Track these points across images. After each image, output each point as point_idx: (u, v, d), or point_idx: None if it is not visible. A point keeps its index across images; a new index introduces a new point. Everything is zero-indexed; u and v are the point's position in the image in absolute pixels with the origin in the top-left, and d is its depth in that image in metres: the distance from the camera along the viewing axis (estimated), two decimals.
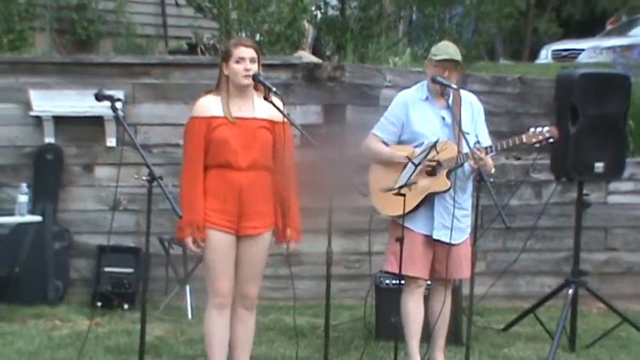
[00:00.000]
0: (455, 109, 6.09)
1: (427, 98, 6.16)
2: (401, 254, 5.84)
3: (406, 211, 5.91)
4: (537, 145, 6.19)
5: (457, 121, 6.00)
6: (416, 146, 6.00)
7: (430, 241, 6.11)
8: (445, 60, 6.03)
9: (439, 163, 6.00)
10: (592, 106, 6.86)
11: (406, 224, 5.96)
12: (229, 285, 5.50)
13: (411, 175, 5.78)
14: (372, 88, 8.64)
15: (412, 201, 6.01)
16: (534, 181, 8.54)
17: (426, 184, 6.01)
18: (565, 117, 6.88)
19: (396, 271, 5.97)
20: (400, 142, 6.15)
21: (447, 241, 6.02)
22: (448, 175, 6.02)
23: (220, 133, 5.37)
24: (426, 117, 6.11)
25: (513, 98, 9.27)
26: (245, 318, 5.64)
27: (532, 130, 6.17)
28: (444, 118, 6.10)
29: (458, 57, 6.10)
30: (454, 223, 6.02)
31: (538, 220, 7.81)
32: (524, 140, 6.14)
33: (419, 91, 6.24)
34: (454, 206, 6.01)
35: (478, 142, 6.05)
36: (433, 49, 6.21)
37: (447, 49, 6.13)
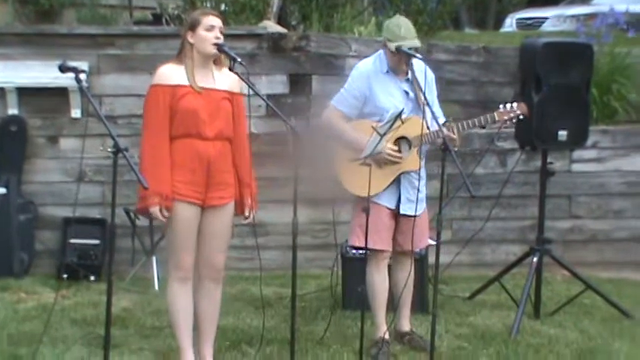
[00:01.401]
0: (414, 80, 6.08)
1: (388, 71, 6.13)
2: (367, 227, 5.83)
3: (378, 191, 5.98)
4: (508, 122, 6.24)
5: (422, 99, 5.96)
6: (378, 120, 5.96)
7: (394, 214, 6.14)
8: (410, 49, 5.99)
9: (408, 140, 6.01)
10: (555, 75, 6.90)
11: (373, 199, 5.96)
12: (192, 258, 5.49)
13: (376, 145, 5.78)
14: (338, 58, 8.63)
15: (384, 180, 6.04)
16: (499, 150, 8.58)
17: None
18: (529, 86, 6.92)
19: (362, 244, 5.97)
20: (361, 115, 6.12)
21: (414, 214, 6.04)
22: (417, 151, 6.03)
23: (188, 102, 5.32)
24: (389, 91, 6.08)
25: (478, 67, 9.28)
26: (212, 290, 5.62)
27: (502, 107, 6.21)
28: (407, 93, 6.09)
29: (410, 42, 6.03)
30: (413, 195, 6.06)
31: (503, 188, 7.83)
32: (496, 118, 6.18)
33: (377, 63, 6.17)
34: (419, 180, 6.06)
35: (447, 120, 6.07)
36: (387, 33, 6.07)
37: (399, 34, 6.00)
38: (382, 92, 6.07)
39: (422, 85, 6.03)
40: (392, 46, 6.00)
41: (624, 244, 8.86)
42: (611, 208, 8.86)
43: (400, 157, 6.02)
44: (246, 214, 5.61)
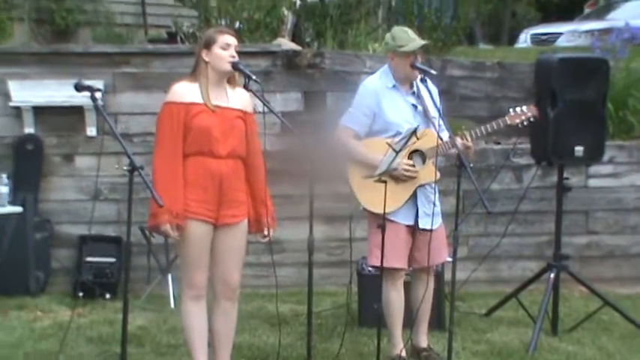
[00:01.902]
0: (421, 94, 6.08)
1: (394, 86, 6.12)
2: (383, 245, 5.81)
3: (398, 207, 5.97)
4: (520, 126, 6.22)
5: (426, 106, 5.98)
6: (389, 137, 5.95)
7: (411, 230, 6.12)
8: (416, 49, 6.02)
9: (422, 153, 6.01)
10: (571, 91, 6.88)
11: (388, 216, 5.94)
12: (205, 276, 5.47)
13: (392, 161, 5.77)
14: (352, 75, 8.62)
15: (403, 196, 6.02)
16: (515, 166, 8.55)
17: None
18: (545, 101, 6.90)
19: (386, 265, 5.93)
20: (370, 133, 6.10)
21: (428, 227, 6.02)
22: (434, 165, 6.02)
23: (201, 120, 5.31)
24: (397, 106, 6.07)
25: (492, 83, 9.28)
26: (228, 310, 5.59)
27: (512, 110, 6.20)
28: (415, 106, 6.08)
29: (423, 41, 6.08)
30: (429, 209, 6.03)
31: (519, 204, 7.82)
32: (508, 122, 6.17)
33: (383, 79, 6.16)
34: (435, 193, 6.05)
35: (462, 131, 6.07)
36: (396, 40, 6.07)
37: (410, 36, 6.06)
38: (391, 108, 6.06)
39: (425, 96, 6.05)
40: (411, 46, 6.00)
41: None
42: (628, 224, 8.81)
43: (416, 172, 6.00)
44: (265, 232, 5.59)
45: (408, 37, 6.06)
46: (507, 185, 8.56)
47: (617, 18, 13.46)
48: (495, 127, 6.15)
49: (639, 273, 8.74)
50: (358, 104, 6.17)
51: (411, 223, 6.10)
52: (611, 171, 8.72)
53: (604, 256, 8.79)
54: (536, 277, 7.37)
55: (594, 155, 7.15)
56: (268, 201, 5.57)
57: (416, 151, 6.02)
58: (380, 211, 5.81)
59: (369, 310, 6.87)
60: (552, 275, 7.00)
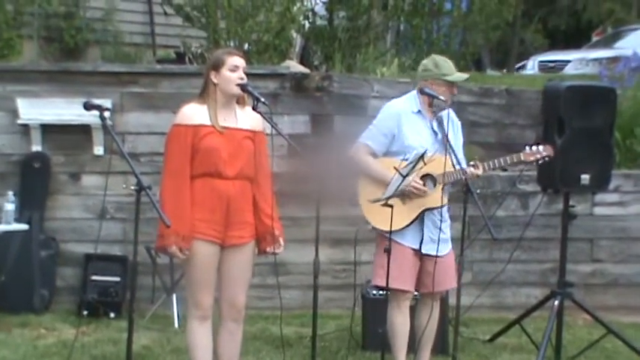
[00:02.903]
0: (442, 123, 6.11)
1: (419, 111, 6.16)
2: (388, 266, 5.83)
3: (401, 227, 5.97)
4: (534, 164, 6.28)
5: (446, 135, 6.03)
6: (404, 159, 5.99)
7: (418, 254, 6.12)
8: (458, 80, 6.09)
9: (433, 178, 6.02)
10: (578, 119, 6.89)
11: (395, 238, 5.96)
12: (211, 297, 5.48)
13: (399, 185, 5.78)
14: (360, 99, 8.66)
15: (409, 216, 6.03)
16: (521, 193, 8.56)
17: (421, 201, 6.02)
18: (552, 129, 6.91)
19: (385, 284, 5.95)
20: (388, 153, 6.13)
21: (435, 254, 6.04)
22: (442, 190, 6.03)
23: (209, 142, 5.33)
24: (418, 131, 6.09)
25: (500, 109, 9.30)
26: (233, 331, 5.60)
27: (528, 148, 6.23)
28: (435, 133, 6.10)
29: (466, 74, 6.15)
30: (435, 235, 6.04)
31: (524, 231, 7.83)
32: (522, 158, 6.20)
33: (409, 102, 6.20)
34: (442, 221, 6.05)
35: (476, 161, 6.10)
36: (440, 68, 6.13)
37: (452, 67, 6.14)
38: (411, 131, 6.08)
39: (446, 127, 6.07)
40: (456, 77, 6.10)
41: None
42: (634, 253, 8.81)
43: (425, 191, 6.00)
44: (275, 250, 5.57)
45: (452, 68, 6.14)
46: (513, 212, 8.56)
47: (625, 47, 13.51)
48: (509, 162, 6.19)
49: None
50: (379, 123, 6.20)
51: (415, 246, 6.10)
52: (617, 199, 8.73)
53: (608, 284, 8.78)
54: (540, 304, 7.36)
55: (600, 183, 7.15)
56: (278, 220, 5.57)
57: (428, 175, 6.03)
58: (386, 228, 5.86)
59: (373, 334, 6.88)
60: (556, 302, 6.99)
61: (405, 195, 5.96)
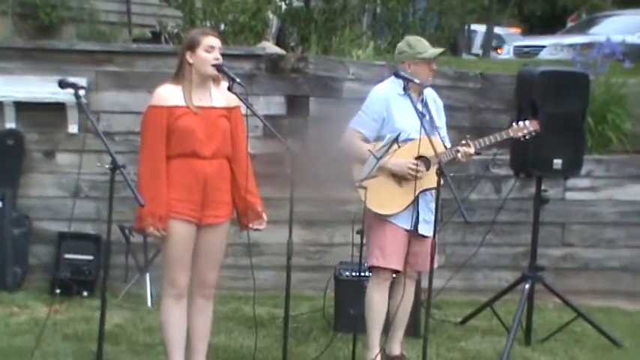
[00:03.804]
0: (426, 104, 6.16)
1: (405, 93, 6.16)
2: (361, 246, 5.87)
3: (401, 209, 6.05)
4: (522, 139, 6.37)
5: (433, 117, 6.10)
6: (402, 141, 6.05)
7: (408, 235, 6.16)
8: (435, 56, 6.13)
9: (426, 159, 6.06)
10: (552, 104, 6.94)
11: (390, 219, 6.06)
12: (187, 277, 5.51)
13: (372, 168, 5.82)
14: (336, 81, 8.66)
15: (406, 199, 6.07)
16: (494, 176, 8.60)
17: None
18: (525, 113, 6.93)
19: (383, 265, 6.05)
20: (379, 138, 6.14)
21: (426, 234, 6.09)
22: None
23: (185, 122, 5.34)
24: (406, 112, 6.10)
25: (475, 93, 9.32)
26: (203, 307, 5.64)
27: (515, 124, 6.33)
28: (423, 114, 6.13)
29: (439, 49, 6.19)
30: (430, 215, 6.10)
31: (497, 214, 7.89)
32: (511, 134, 6.31)
33: (393, 85, 6.22)
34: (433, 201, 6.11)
35: (465, 139, 6.14)
36: (414, 48, 6.18)
37: (426, 44, 6.19)
38: (399, 114, 6.12)
39: (433, 106, 6.18)
40: (430, 52, 6.14)
41: (616, 274, 8.88)
42: (604, 237, 8.89)
43: (422, 172, 6.05)
44: (259, 226, 5.65)
45: (425, 45, 6.20)
46: (486, 195, 8.61)
47: (599, 33, 13.58)
48: (499, 139, 6.27)
49: (613, 286, 8.81)
50: (368, 109, 6.23)
51: (409, 227, 6.14)
52: (588, 184, 8.79)
53: (579, 268, 8.86)
54: (511, 288, 7.42)
55: (572, 168, 7.22)
56: (257, 196, 5.64)
57: (421, 157, 6.06)
58: (382, 211, 5.98)
59: (345, 316, 6.92)
60: (527, 286, 7.06)
61: (400, 179, 6.01)
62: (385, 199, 5.91)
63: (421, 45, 6.20)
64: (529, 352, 6.89)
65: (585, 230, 8.87)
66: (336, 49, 10.16)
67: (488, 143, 6.25)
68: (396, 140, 5.77)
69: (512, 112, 7.60)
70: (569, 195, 8.80)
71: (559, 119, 6.96)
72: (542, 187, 7.20)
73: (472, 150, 6.11)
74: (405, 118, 6.09)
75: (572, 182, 8.54)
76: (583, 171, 7.65)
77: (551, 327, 7.37)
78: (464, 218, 5.58)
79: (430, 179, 6.02)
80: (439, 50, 6.24)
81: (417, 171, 6.03)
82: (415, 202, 6.11)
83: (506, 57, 16.24)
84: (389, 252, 6.04)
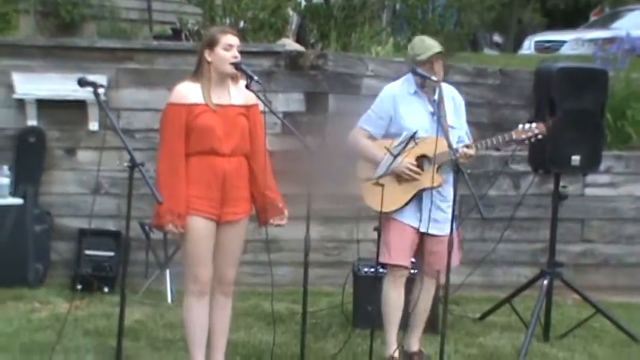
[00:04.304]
0: (440, 103, 6.16)
1: (415, 92, 6.20)
2: (378, 243, 5.90)
3: (398, 207, 6.07)
4: (526, 142, 6.32)
5: (443, 115, 6.08)
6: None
7: (417, 232, 6.18)
8: (431, 56, 6.10)
9: (428, 158, 6.07)
10: (570, 100, 6.94)
11: (395, 216, 6.09)
12: (209, 273, 5.55)
13: (390, 165, 5.85)
14: (355, 77, 8.69)
15: (404, 196, 6.10)
16: (512, 173, 8.60)
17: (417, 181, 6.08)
18: (543, 110, 6.96)
19: (388, 261, 6.08)
20: (387, 135, 6.18)
21: (435, 233, 6.10)
22: (438, 171, 6.09)
23: (204, 120, 5.38)
24: (415, 111, 6.14)
25: (494, 90, 9.33)
26: (223, 304, 5.69)
27: (521, 126, 6.27)
28: (432, 113, 6.14)
29: (440, 47, 6.18)
30: (440, 214, 6.11)
31: (515, 210, 7.89)
32: (514, 137, 6.25)
33: (405, 84, 6.25)
34: (443, 201, 6.11)
35: (464, 139, 6.14)
36: (414, 49, 6.19)
37: (426, 44, 6.17)
38: (407, 113, 6.14)
39: (447, 106, 6.15)
40: (425, 55, 6.10)
41: (635, 270, 8.87)
42: (624, 233, 8.88)
43: (418, 173, 6.07)
44: (280, 221, 5.70)
45: (424, 46, 6.17)
46: (504, 192, 8.60)
47: (622, 27, 13.49)
48: (501, 141, 6.24)
49: (633, 282, 8.80)
50: (376, 107, 6.28)
51: (415, 225, 6.16)
52: (608, 181, 8.78)
53: (598, 264, 8.85)
54: (530, 284, 7.42)
55: (591, 165, 7.21)
56: (277, 191, 5.70)
57: (423, 156, 6.08)
58: (379, 209, 5.95)
59: (363, 312, 6.95)
60: (546, 282, 7.06)
61: (399, 177, 6.03)
62: (384, 197, 5.92)
63: (420, 46, 6.17)
64: (547, 348, 6.89)
65: (605, 226, 8.86)
66: (356, 46, 10.19)
67: (490, 145, 6.22)
68: (412, 138, 5.79)
69: (530, 109, 7.60)
70: (589, 191, 8.78)
71: (577, 115, 6.96)
72: (562, 184, 7.19)
73: (472, 151, 6.08)
74: (412, 117, 6.11)
75: (591, 178, 8.52)
76: (602, 167, 7.66)
77: (570, 323, 7.37)
78: (481, 215, 5.60)
79: (429, 178, 6.04)
80: (435, 49, 6.14)
81: (415, 172, 6.05)
82: (417, 200, 6.12)
83: (527, 52, 16.18)
84: (395, 249, 6.06)
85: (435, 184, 6.06)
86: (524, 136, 6.26)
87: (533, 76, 7.50)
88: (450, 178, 6.16)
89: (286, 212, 5.70)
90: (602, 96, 7.09)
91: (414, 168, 6.06)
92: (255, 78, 5.41)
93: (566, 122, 6.91)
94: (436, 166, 6.05)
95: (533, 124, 6.27)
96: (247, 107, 5.57)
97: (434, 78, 6.05)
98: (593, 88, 7.02)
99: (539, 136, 6.28)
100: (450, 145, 5.91)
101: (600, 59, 9.34)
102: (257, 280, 7.83)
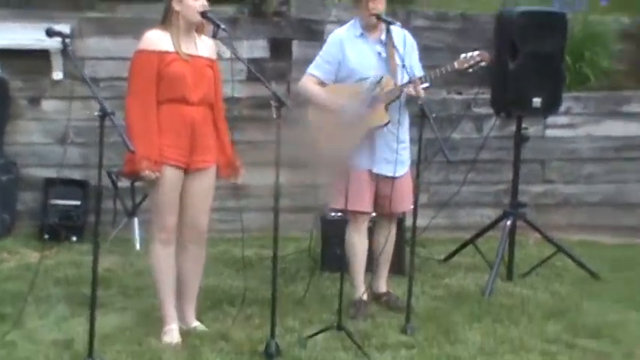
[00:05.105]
0: (389, 42, 6.21)
1: (361, 34, 6.27)
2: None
3: (351, 147, 6.12)
4: (470, 70, 6.36)
5: (392, 55, 6.15)
6: (354, 82, 6.14)
7: (373, 176, 6.26)
8: None
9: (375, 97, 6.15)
10: (530, 43, 7.03)
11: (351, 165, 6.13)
12: (176, 220, 5.59)
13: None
14: (318, 23, 8.69)
15: (354, 137, 6.16)
16: (475, 116, 8.67)
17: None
18: (504, 53, 7.05)
19: (343, 207, 6.12)
20: (337, 80, 6.25)
21: (390, 174, 6.18)
22: (386, 109, 6.16)
23: (175, 68, 5.41)
24: (362, 53, 6.23)
25: (455, 34, 9.34)
26: (196, 254, 5.74)
27: (463, 55, 6.34)
28: (379, 53, 6.22)
29: None
30: (392, 155, 6.18)
31: (479, 153, 7.99)
32: (456, 66, 6.31)
33: (352, 28, 6.33)
34: (397, 142, 6.17)
35: (413, 74, 6.19)
36: None
37: None
38: (354, 55, 6.22)
39: (401, 50, 6.16)
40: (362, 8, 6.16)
41: (595, 208, 9.01)
42: (583, 173, 9.00)
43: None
44: (236, 180, 5.78)
45: None
46: (468, 134, 8.67)
47: None
48: (444, 72, 6.29)
49: (592, 221, 8.93)
50: (324, 53, 6.35)
51: (370, 167, 6.24)
52: (567, 122, 8.88)
53: (559, 204, 8.97)
54: (493, 224, 7.55)
55: (552, 107, 7.32)
56: (231, 147, 5.75)
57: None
58: (337, 154, 6.05)
59: (331, 255, 7.03)
60: (509, 222, 7.20)
61: (349, 121, 6.11)
62: (335, 142, 6.02)
63: None
64: (511, 287, 7.03)
65: (564, 166, 8.98)
66: None
67: (433, 77, 6.24)
68: (379, 83, 5.86)
69: (492, 52, 7.65)
70: (549, 132, 8.88)
71: (538, 58, 7.05)
72: (523, 126, 7.29)
73: (418, 85, 6.08)
74: (360, 59, 6.19)
75: (551, 120, 8.57)
76: (562, 108, 7.76)
77: (533, 262, 7.50)
78: (445, 157, 5.68)
79: (378, 117, 6.11)
80: None
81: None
82: (371, 141, 6.19)
83: None
84: (352, 195, 6.03)
85: (382, 122, 6.12)
86: (466, 65, 6.31)
87: (495, 20, 7.56)
88: (404, 118, 6.23)
89: (242, 171, 5.78)
90: (562, 39, 7.18)
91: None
92: (223, 26, 5.44)
93: (527, 65, 7.00)
94: (384, 104, 6.11)
95: (475, 52, 6.33)
96: (212, 60, 5.63)
97: (398, 23, 6.12)
98: (554, 32, 7.11)
99: (483, 64, 6.34)
100: (396, 83, 5.99)
101: (559, 1, 9.37)
102: (225, 227, 7.84)
